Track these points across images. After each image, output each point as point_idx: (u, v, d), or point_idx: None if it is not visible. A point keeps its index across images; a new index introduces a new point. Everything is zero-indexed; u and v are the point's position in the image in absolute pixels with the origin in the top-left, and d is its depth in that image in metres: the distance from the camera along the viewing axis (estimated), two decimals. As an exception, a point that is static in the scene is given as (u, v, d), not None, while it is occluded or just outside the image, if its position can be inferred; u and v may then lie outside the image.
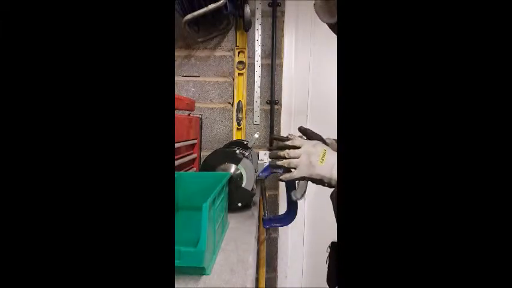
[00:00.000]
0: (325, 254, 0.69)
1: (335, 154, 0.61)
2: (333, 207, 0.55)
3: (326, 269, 0.69)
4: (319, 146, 0.63)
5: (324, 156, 0.61)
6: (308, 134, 0.70)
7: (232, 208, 0.77)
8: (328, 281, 0.69)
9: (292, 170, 0.63)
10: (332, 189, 0.60)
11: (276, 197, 1.36)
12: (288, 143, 0.64)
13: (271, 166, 0.66)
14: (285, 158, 0.63)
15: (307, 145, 0.63)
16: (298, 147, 0.63)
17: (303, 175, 0.62)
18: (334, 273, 0.67)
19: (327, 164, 0.60)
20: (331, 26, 0.60)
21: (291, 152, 0.63)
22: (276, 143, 0.69)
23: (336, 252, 0.66)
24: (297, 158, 0.62)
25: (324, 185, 0.63)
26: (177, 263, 0.44)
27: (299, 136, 0.69)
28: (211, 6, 1.04)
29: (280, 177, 0.64)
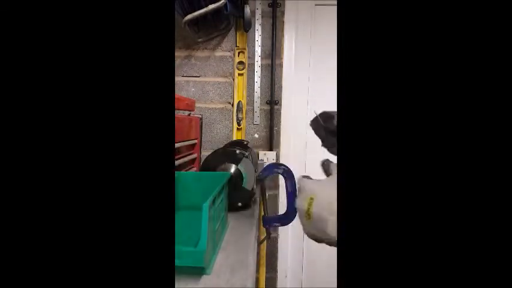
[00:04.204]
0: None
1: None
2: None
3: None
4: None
5: (310, 206, 0.45)
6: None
7: (232, 208, 0.77)
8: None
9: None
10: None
11: (276, 197, 1.36)
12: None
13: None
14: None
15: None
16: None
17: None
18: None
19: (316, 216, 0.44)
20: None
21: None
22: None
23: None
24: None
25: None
26: (177, 262, 0.44)
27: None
28: (211, 6, 1.04)
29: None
